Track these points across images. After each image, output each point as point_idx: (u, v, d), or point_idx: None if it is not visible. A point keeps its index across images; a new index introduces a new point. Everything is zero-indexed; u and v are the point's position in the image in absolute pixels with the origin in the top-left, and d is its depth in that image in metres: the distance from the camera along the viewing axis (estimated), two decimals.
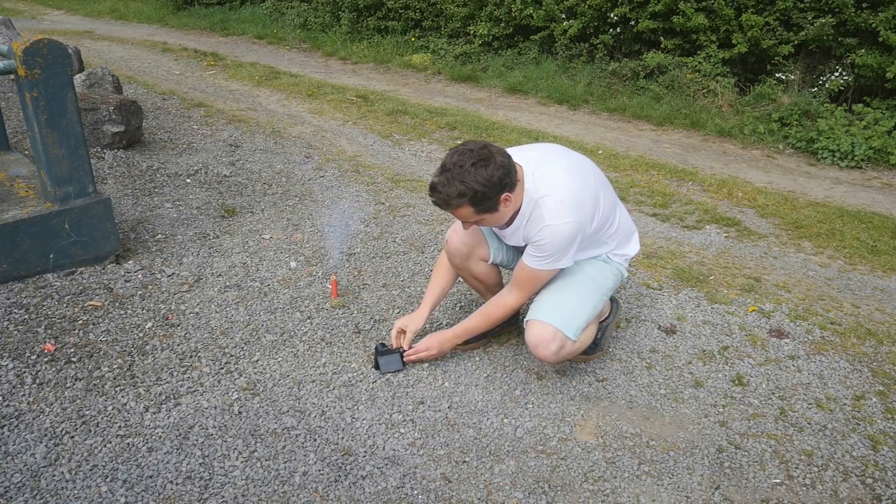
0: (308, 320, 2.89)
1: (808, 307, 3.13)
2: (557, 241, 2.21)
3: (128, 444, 2.16)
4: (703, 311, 3.06)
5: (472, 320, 2.53)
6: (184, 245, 3.49)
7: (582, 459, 2.18)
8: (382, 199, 4.23)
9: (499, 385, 2.52)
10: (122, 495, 1.97)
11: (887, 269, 3.54)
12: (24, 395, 2.34)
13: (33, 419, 2.24)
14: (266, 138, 5.39)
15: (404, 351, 2.57)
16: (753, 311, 3.08)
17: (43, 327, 2.71)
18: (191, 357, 2.61)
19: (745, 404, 2.47)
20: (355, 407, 2.38)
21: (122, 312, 2.86)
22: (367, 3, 9.43)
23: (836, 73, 6.10)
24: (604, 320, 2.74)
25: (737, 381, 2.59)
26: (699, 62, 6.47)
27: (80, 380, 2.43)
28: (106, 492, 1.98)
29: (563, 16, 7.48)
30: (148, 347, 2.65)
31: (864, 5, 5.79)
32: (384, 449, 2.19)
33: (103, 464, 2.08)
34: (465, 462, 2.15)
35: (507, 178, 2.13)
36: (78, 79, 5.44)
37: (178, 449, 2.15)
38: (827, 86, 6.06)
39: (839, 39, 5.89)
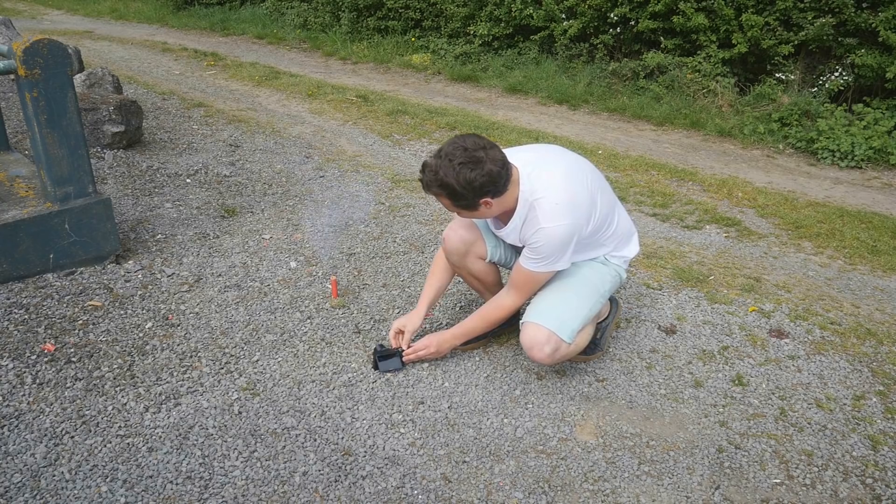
0: (308, 320, 2.89)
1: (808, 307, 3.13)
2: (553, 243, 2.21)
3: (128, 444, 2.16)
4: (703, 311, 3.06)
5: (470, 321, 2.53)
6: (184, 245, 3.49)
7: (582, 459, 2.18)
8: (382, 199, 4.23)
9: (499, 385, 2.52)
10: (122, 495, 1.97)
11: (887, 269, 3.54)
12: (24, 395, 2.34)
13: (33, 419, 2.24)
14: (266, 138, 5.39)
15: (403, 351, 2.57)
16: (753, 311, 3.08)
17: (43, 327, 2.71)
18: (191, 357, 2.61)
19: (745, 404, 2.47)
20: (355, 407, 2.38)
21: (122, 312, 2.86)
22: (367, 3, 9.43)
23: (836, 73, 6.10)
24: (603, 320, 2.74)
25: (737, 381, 2.59)
26: (699, 62, 6.47)
27: (80, 380, 2.43)
28: (106, 492, 1.98)
29: (563, 16, 7.48)
30: (148, 347, 2.65)
31: (864, 5, 5.79)
32: (384, 449, 2.19)
33: (103, 464, 2.08)
34: (465, 462, 2.15)
35: (491, 186, 2.14)
36: (78, 79, 5.44)
37: (178, 449, 2.15)
38: (827, 86, 6.06)
39: (839, 39, 5.88)
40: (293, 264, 3.36)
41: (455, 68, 8.00)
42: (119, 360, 2.55)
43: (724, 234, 3.93)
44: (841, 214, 4.23)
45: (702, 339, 2.86)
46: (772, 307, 3.11)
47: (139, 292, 3.02)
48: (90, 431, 2.20)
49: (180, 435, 2.21)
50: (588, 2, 7.06)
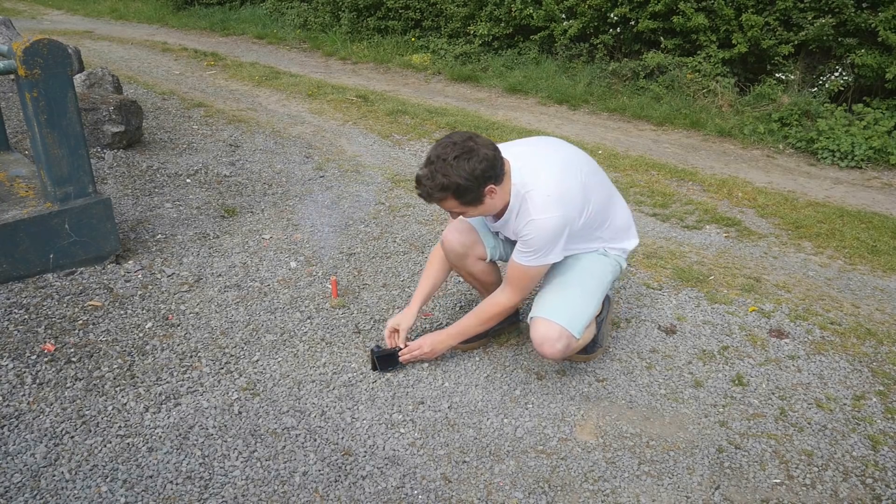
0: (308, 320, 2.89)
1: (808, 307, 3.13)
2: (543, 235, 2.20)
3: (128, 444, 2.16)
4: (703, 311, 3.06)
5: (466, 320, 2.52)
6: (184, 245, 3.49)
7: (582, 459, 2.18)
8: (382, 199, 4.23)
9: (499, 385, 2.52)
10: (122, 495, 1.97)
11: (887, 269, 3.54)
12: (24, 395, 2.34)
13: (33, 419, 2.24)
14: (266, 138, 5.39)
15: (401, 350, 2.57)
16: (753, 311, 3.08)
17: (43, 327, 2.71)
18: (191, 357, 2.61)
19: (745, 404, 2.47)
20: (355, 407, 2.38)
21: (122, 312, 2.86)
22: (367, 3, 9.43)
23: (836, 73, 6.10)
24: (598, 315, 2.75)
25: (737, 381, 2.59)
26: (699, 62, 6.47)
27: (80, 380, 2.43)
28: (106, 492, 1.98)
29: (563, 16, 7.48)
30: (148, 347, 2.65)
31: (864, 5, 5.79)
32: (384, 449, 2.19)
33: (103, 464, 2.08)
34: (465, 462, 2.15)
35: (492, 170, 2.13)
36: (78, 79, 5.44)
37: (178, 449, 2.15)
38: (827, 86, 6.06)
39: (839, 39, 5.88)
40: (293, 264, 3.36)
41: (455, 68, 8.00)
42: (119, 360, 2.55)
43: (724, 234, 3.93)
44: (841, 214, 4.23)
45: (702, 339, 2.86)
46: (772, 307, 3.11)
47: (139, 292, 3.02)
48: (90, 431, 2.20)
49: (180, 435, 2.21)
50: (588, 2, 7.06)
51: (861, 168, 5.20)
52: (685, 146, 5.69)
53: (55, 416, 2.25)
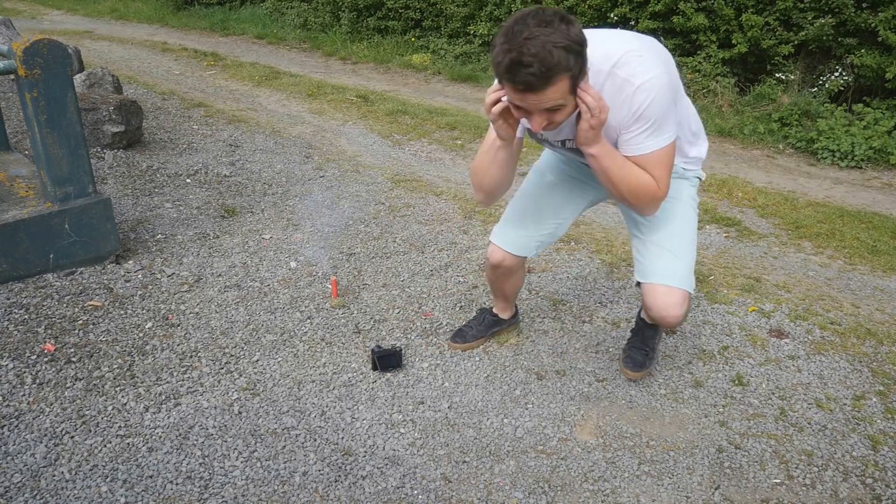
0: (308, 320, 2.89)
1: (808, 307, 3.13)
2: (659, 96, 1.78)
3: (128, 444, 2.16)
4: (703, 311, 3.06)
5: (624, 163, 1.90)
6: (184, 245, 3.49)
7: (582, 459, 2.18)
8: (382, 199, 4.23)
9: (499, 385, 2.52)
10: (122, 495, 1.97)
11: (887, 269, 3.54)
12: (24, 395, 2.34)
13: (33, 419, 2.24)
14: (266, 138, 5.39)
15: (401, 350, 2.57)
16: (753, 311, 3.08)
17: (43, 327, 2.71)
18: (191, 357, 2.61)
19: (745, 404, 2.47)
20: (355, 407, 2.38)
21: (122, 312, 2.86)
22: (367, 3, 9.43)
23: (836, 73, 6.10)
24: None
25: (737, 381, 2.59)
26: (699, 62, 6.47)
27: (80, 380, 2.43)
28: (106, 492, 1.98)
29: None
30: (148, 347, 2.65)
31: (864, 5, 5.79)
32: (384, 449, 2.19)
33: (103, 464, 2.08)
34: (465, 462, 2.15)
35: (583, 35, 1.68)
36: (78, 79, 5.44)
37: (178, 449, 2.15)
38: (827, 86, 6.06)
39: (839, 39, 5.88)
40: (293, 264, 3.36)
41: (455, 68, 8.00)
42: (119, 360, 2.55)
43: (724, 234, 3.93)
44: (841, 214, 4.23)
45: (702, 339, 2.86)
46: (772, 307, 3.11)
47: (139, 292, 3.02)
48: (90, 431, 2.20)
49: (180, 435, 2.21)
50: (588, 2, 7.06)
51: (861, 168, 5.20)
52: None
53: (55, 416, 2.25)
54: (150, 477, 2.04)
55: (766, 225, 4.10)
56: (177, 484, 2.02)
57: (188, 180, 4.40)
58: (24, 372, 2.44)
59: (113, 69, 6.97)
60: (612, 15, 7.09)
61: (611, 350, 2.76)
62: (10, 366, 2.47)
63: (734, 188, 4.65)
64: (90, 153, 3.85)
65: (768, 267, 3.55)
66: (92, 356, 2.57)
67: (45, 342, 2.62)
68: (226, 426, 2.26)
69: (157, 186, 4.26)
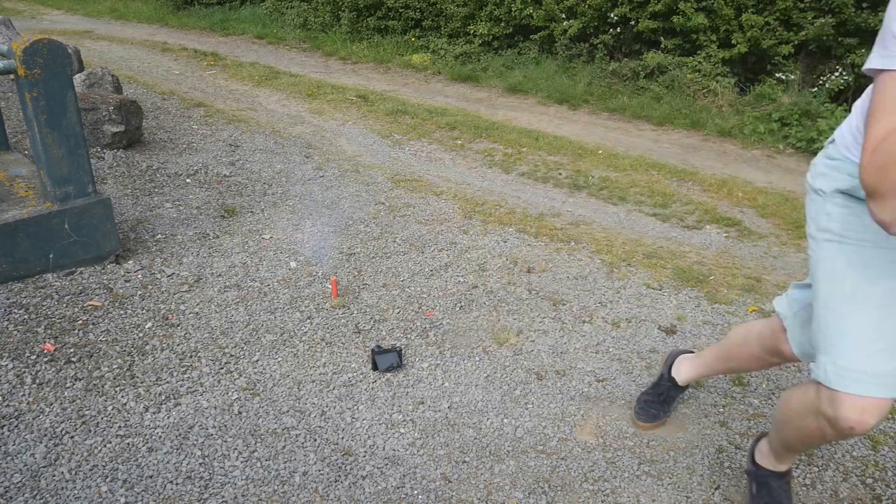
0: (308, 320, 2.89)
1: None
2: None
3: (128, 444, 2.16)
4: (703, 311, 3.06)
5: None
6: (184, 245, 3.49)
7: (582, 459, 2.18)
8: (382, 199, 4.23)
9: (499, 385, 2.52)
10: (122, 495, 1.97)
11: None
12: (24, 395, 2.34)
13: (33, 419, 2.24)
14: (266, 138, 5.39)
15: (401, 349, 2.57)
16: (753, 311, 3.08)
17: (43, 327, 2.71)
18: (191, 357, 2.61)
19: (745, 404, 2.47)
20: (355, 407, 2.38)
21: (122, 312, 2.86)
22: (367, 2, 9.43)
23: (837, 73, 6.10)
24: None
25: (737, 381, 2.58)
26: (699, 62, 6.47)
27: (80, 380, 2.43)
28: (106, 492, 1.98)
29: (563, 16, 7.47)
30: (148, 347, 2.65)
31: (864, 5, 5.79)
32: (384, 449, 2.19)
33: (103, 464, 2.08)
34: (465, 462, 2.15)
35: None
36: (78, 79, 5.44)
37: (178, 449, 2.15)
38: (827, 86, 6.06)
39: (839, 39, 5.88)
40: (293, 264, 3.36)
41: (455, 68, 7.99)
42: (119, 360, 2.55)
43: (725, 234, 3.93)
44: None
45: (702, 339, 2.86)
46: (772, 307, 3.11)
47: (139, 292, 3.02)
48: (90, 431, 2.20)
49: (180, 435, 2.21)
50: (588, 2, 7.06)
51: None
52: (685, 146, 5.69)
53: (55, 416, 2.25)
54: (150, 477, 2.04)
55: (766, 225, 4.10)
56: (177, 484, 2.02)
57: (188, 180, 4.40)
58: (24, 372, 2.44)
59: (113, 69, 6.97)
60: (612, 15, 7.09)
61: (611, 350, 2.76)
62: (10, 366, 2.47)
63: (734, 188, 4.65)
64: (90, 153, 3.85)
65: (768, 267, 3.55)
66: (92, 356, 2.57)
67: (44, 342, 2.62)
68: (226, 426, 2.26)
69: (156, 186, 4.26)
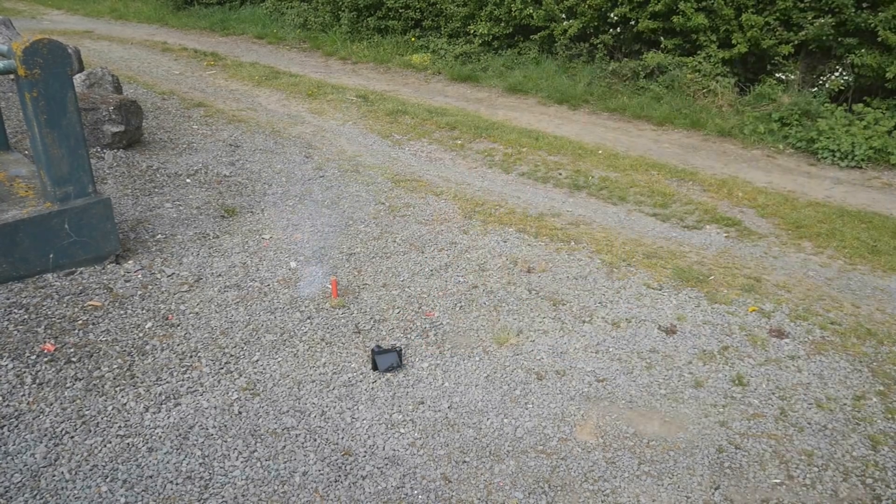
0: (308, 320, 2.89)
1: (809, 307, 3.13)
2: None
3: (128, 444, 2.16)
4: (703, 311, 3.06)
5: None
6: (184, 245, 3.49)
7: (582, 459, 2.18)
8: (382, 199, 4.22)
9: (499, 385, 2.52)
10: (122, 495, 1.97)
11: (887, 269, 3.53)
12: (24, 395, 2.34)
13: (33, 419, 2.24)
14: (266, 138, 5.39)
15: (401, 350, 2.57)
16: (753, 311, 3.08)
17: (43, 327, 2.71)
18: (191, 357, 2.61)
19: (745, 404, 2.46)
20: (355, 407, 2.38)
21: (122, 312, 2.86)
22: (367, 2, 9.42)
23: (836, 73, 6.10)
24: None
25: (737, 381, 2.58)
26: (699, 62, 6.47)
27: (80, 380, 2.43)
28: (106, 492, 1.98)
29: (563, 16, 7.47)
30: (148, 347, 2.64)
31: (864, 5, 5.79)
32: (384, 449, 2.19)
33: (103, 464, 2.07)
34: (465, 462, 2.15)
35: None
36: (78, 79, 5.44)
37: (178, 449, 2.15)
38: (827, 86, 6.06)
39: (839, 39, 5.88)
40: (293, 264, 3.36)
41: (455, 68, 7.99)
42: (119, 360, 2.55)
43: (725, 234, 3.93)
44: (841, 214, 4.23)
45: (702, 339, 2.86)
46: (772, 307, 3.11)
47: (139, 292, 3.02)
48: (90, 431, 2.20)
49: (180, 435, 2.21)
50: (588, 2, 7.06)
51: (861, 168, 5.20)
52: (685, 146, 5.69)
53: (55, 416, 2.25)
54: (150, 477, 2.04)
55: (766, 225, 4.10)
56: (177, 484, 2.02)
57: (188, 180, 4.40)
58: (24, 372, 2.44)
59: (113, 69, 6.97)
60: (612, 15, 7.09)
61: (611, 350, 2.76)
62: (10, 366, 2.47)
63: (734, 188, 4.65)
64: (90, 153, 3.85)
65: (768, 267, 3.55)
66: (92, 356, 2.56)
67: (45, 342, 2.62)
68: (226, 426, 2.26)
69: (157, 186, 4.25)
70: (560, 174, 4.80)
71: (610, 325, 2.93)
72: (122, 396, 2.37)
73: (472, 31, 8.37)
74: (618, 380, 2.57)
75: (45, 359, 2.52)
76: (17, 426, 2.20)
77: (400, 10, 9.22)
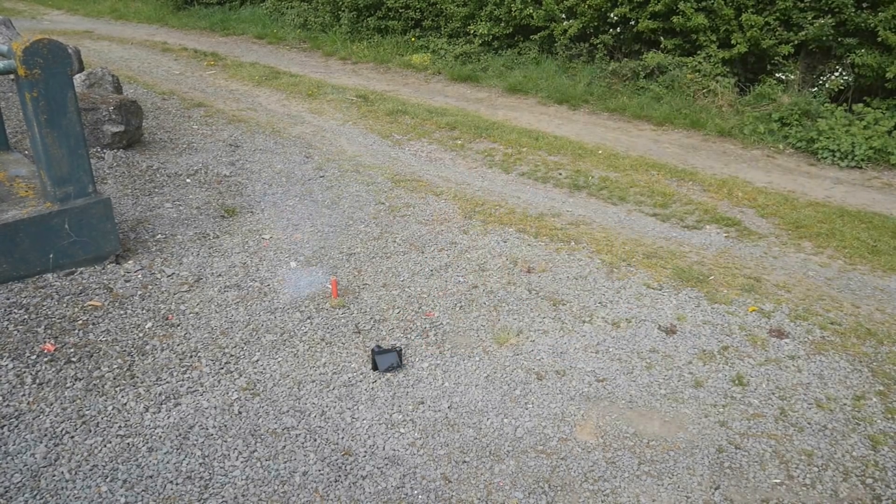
0: (308, 320, 2.89)
1: (809, 307, 3.13)
2: None
3: (128, 444, 2.16)
4: (703, 311, 3.06)
5: None
6: (184, 245, 3.49)
7: (582, 459, 2.18)
8: (382, 199, 4.22)
9: (499, 385, 2.52)
10: (122, 495, 1.97)
11: (887, 269, 3.53)
12: (24, 395, 2.34)
13: (33, 419, 2.24)
14: (266, 138, 5.39)
15: (401, 350, 2.57)
16: (753, 311, 3.08)
17: (43, 327, 2.71)
18: (191, 357, 2.61)
19: (745, 404, 2.47)
20: (355, 407, 2.38)
21: (122, 312, 2.86)
22: (367, 2, 9.42)
23: (836, 73, 6.10)
24: None
25: (737, 381, 2.58)
26: (699, 62, 6.47)
27: (80, 380, 2.43)
28: (106, 492, 1.98)
29: (563, 16, 7.47)
30: (148, 347, 2.65)
31: (864, 5, 5.79)
32: (384, 449, 2.19)
33: (103, 464, 2.08)
34: (465, 462, 2.15)
35: None
36: (78, 79, 5.44)
37: (178, 449, 2.15)
38: (827, 86, 6.06)
39: (839, 39, 5.88)
40: (293, 264, 3.36)
41: (455, 68, 7.99)
42: (119, 360, 2.55)
43: (724, 234, 3.93)
44: (841, 214, 4.23)
45: (702, 339, 2.86)
46: (772, 307, 3.11)
47: (139, 292, 3.02)
48: (90, 431, 2.20)
49: (180, 435, 2.21)
50: (588, 2, 7.06)
51: (861, 168, 5.20)
52: (685, 146, 5.69)
53: (55, 416, 2.25)
54: (150, 477, 2.04)
55: (766, 225, 4.10)
56: (177, 484, 2.02)
57: (188, 180, 4.40)
58: (24, 372, 2.44)
59: (113, 69, 6.97)
60: (612, 15, 7.09)
61: (611, 350, 2.76)
62: (10, 366, 2.47)
63: (734, 188, 4.65)
64: (90, 153, 3.85)
65: (768, 267, 3.55)
66: (92, 356, 2.57)
67: (45, 342, 2.62)
68: (226, 426, 2.26)
69: (157, 186, 4.26)
70: (560, 174, 4.80)
71: (610, 325, 2.93)
72: (122, 396, 2.37)
73: (472, 31, 8.37)
74: (618, 380, 2.58)
75: (46, 359, 2.52)
76: (17, 426, 2.20)
77: (400, 10, 9.22)
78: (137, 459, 2.10)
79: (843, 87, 6.05)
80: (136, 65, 8.29)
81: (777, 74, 6.30)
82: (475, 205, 4.17)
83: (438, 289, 3.18)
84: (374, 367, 2.55)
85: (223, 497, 1.98)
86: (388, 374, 2.53)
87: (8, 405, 2.29)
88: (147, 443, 2.16)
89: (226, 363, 2.58)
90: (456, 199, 4.27)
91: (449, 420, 2.33)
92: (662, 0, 6.47)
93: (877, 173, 5.13)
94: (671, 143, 5.76)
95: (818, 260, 3.65)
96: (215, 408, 2.33)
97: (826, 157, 5.36)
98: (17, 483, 1.98)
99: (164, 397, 2.37)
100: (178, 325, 2.80)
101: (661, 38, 6.90)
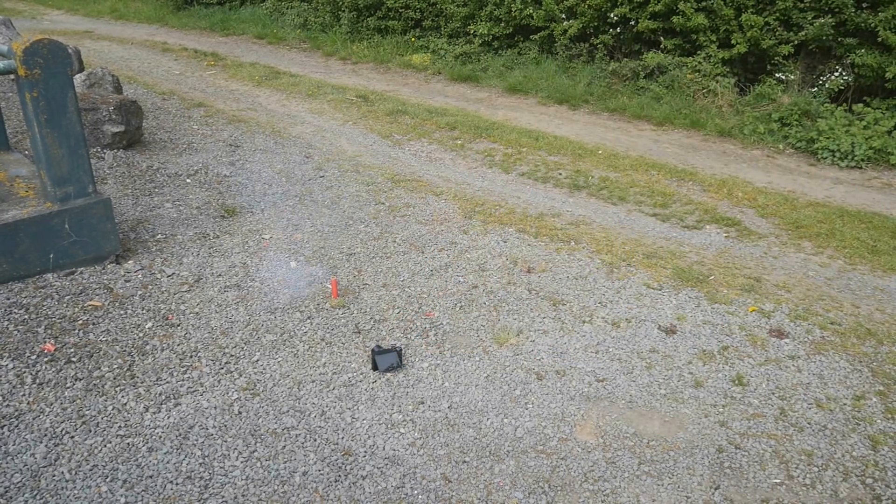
0: (308, 320, 2.89)
1: (808, 307, 3.13)
2: None
3: (128, 444, 2.16)
4: (703, 311, 3.06)
5: None
6: (184, 245, 3.49)
7: (582, 459, 2.18)
8: (382, 199, 4.23)
9: (499, 385, 2.52)
10: (122, 495, 1.97)
11: (887, 269, 3.53)
12: (24, 395, 2.34)
13: (33, 419, 2.24)
14: (266, 138, 5.39)
15: (401, 350, 2.57)
16: (753, 311, 3.08)
17: (43, 327, 2.71)
18: (191, 357, 2.61)
19: (745, 404, 2.47)
20: (355, 407, 2.38)
21: (122, 312, 2.86)
22: (367, 2, 9.43)
23: (836, 73, 6.10)
24: None
25: (737, 381, 2.59)
26: (699, 62, 6.47)
27: (80, 380, 2.43)
28: (106, 492, 1.98)
29: (563, 16, 7.47)
30: (148, 347, 2.65)
31: (864, 5, 5.79)
32: (384, 449, 2.19)
33: (103, 464, 2.08)
34: (465, 462, 2.15)
35: None
36: (78, 79, 5.44)
37: (178, 449, 2.15)
38: (827, 86, 6.06)
39: (839, 39, 5.88)
40: (293, 264, 3.36)
41: (455, 68, 7.99)
42: (119, 360, 2.55)
43: (724, 234, 3.93)
44: (841, 214, 4.23)
45: (702, 339, 2.86)
46: (772, 307, 3.11)
47: (139, 292, 3.02)
48: (90, 431, 2.20)
49: (180, 435, 2.21)
50: (588, 2, 7.06)
51: (861, 168, 5.20)
52: (685, 146, 5.69)
53: (55, 416, 2.25)
54: (150, 477, 2.04)
55: (766, 225, 4.10)
56: (177, 484, 2.02)
57: (188, 180, 4.40)
58: (24, 372, 2.44)
59: (113, 69, 6.97)
60: (612, 15, 7.10)
61: (611, 350, 2.76)
62: (10, 366, 2.47)
63: (734, 188, 4.65)
64: (90, 153, 3.85)
65: (768, 267, 3.55)
66: (92, 356, 2.57)
67: (45, 342, 2.62)
68: (226, 426, 2.26)
69: (157, 186, 4.26)
70: (560, 174, 4.80)
71: (610, 325, 2.93)
72: (123, 396, 2.37)
73: (472, 32, 8.37)
74: (618, 380, 2.58)
75: (46, 359, 2.52)
76: (17, 426, 2.20)
77: (400, 10, 9.23)
78: (137, 459, 2.10)
79: (843, 88, 6.05)
80: (136, 65, 8.29)
81: (777, 74, 6.30)
82: (475, 205, 4.17)
83: (438, 289, 3.18)
84: (374, 367, 2.55)
85: (223, 497, 1.98)
86: (388, 374, 2.54)
87: (8, 405, 2.29)
88: (147, 443, 2.17)
89: (226, 363, 2.58)
90: (456, 199, 4.27)
91: (449, 420, 2.33)
92: (662, 0, 6.47)
93: (877, 173, 5.13)
94: (671, 143, 5.76)
95: (818, 260, 3.65)
96: (215, 408, 2.34)
97: (826, 158, 5.36)
98: (17, 483, 1.99)
99: (164, 397, 2.37)
100: (178, 325, 2.80)
101: (661, 38, 6.90)
